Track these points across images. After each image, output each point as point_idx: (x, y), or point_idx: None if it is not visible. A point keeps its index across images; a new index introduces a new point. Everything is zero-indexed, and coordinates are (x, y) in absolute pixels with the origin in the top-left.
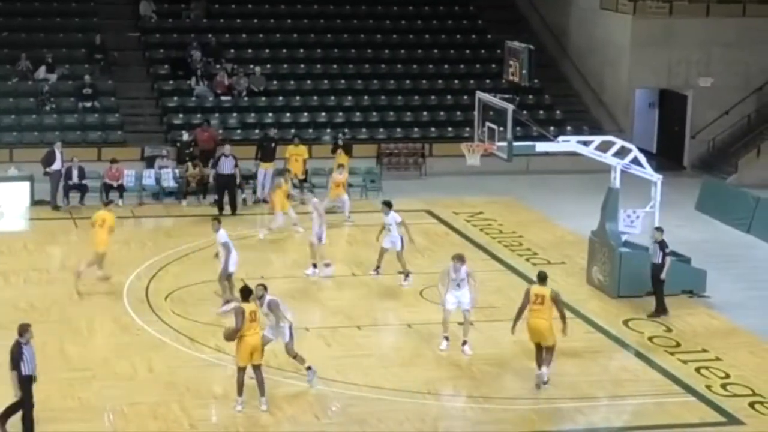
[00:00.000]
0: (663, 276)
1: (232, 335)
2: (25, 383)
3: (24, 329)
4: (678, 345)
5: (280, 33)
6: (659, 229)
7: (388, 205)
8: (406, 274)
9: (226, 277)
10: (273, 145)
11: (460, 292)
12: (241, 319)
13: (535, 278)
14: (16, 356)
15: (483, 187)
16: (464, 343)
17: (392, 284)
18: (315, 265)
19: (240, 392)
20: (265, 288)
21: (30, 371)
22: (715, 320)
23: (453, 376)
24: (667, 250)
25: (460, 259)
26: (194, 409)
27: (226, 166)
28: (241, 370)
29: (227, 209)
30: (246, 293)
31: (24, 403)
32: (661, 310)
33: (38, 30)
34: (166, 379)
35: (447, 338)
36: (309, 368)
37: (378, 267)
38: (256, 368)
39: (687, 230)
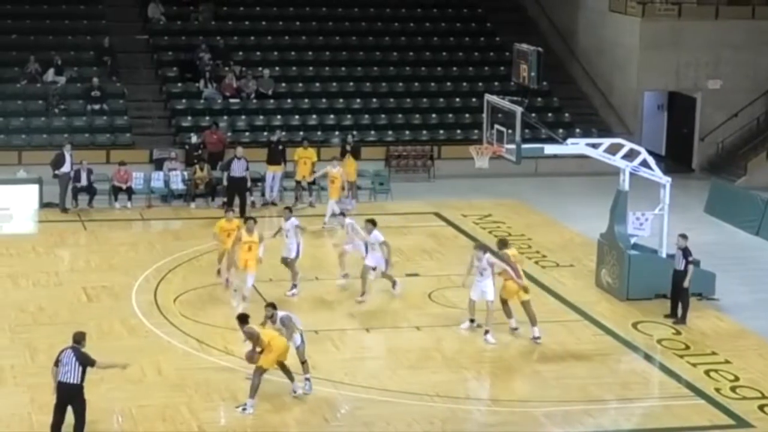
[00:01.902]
0: (686, 284)
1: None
2: (82, 388)
3: (82, 336)
4: (687, 348)
5: (288, 35)
6: (684, 236)
7: (372, 223)
8: (362, 293)
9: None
10: (281, 147)
11: (482, 281)
12: (257, 340)
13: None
14: (87, 357)
15: (491, 190)
16: (486, 332)
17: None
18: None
19: (254, 395)
20: (274, 307)
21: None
22: (724, 323)
23: (461, 379)
24: (691, 258)
25: (480, 247)
26: (203, 411)
27: (238, 169)
28: (263, 372)
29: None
30: (243, 319)
31: (84, 408)
32: (682, 318)
33: (47, 32)
34: (175, 381)
35: (472, 320)
36: (308, 379)
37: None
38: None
39: (696, 233)
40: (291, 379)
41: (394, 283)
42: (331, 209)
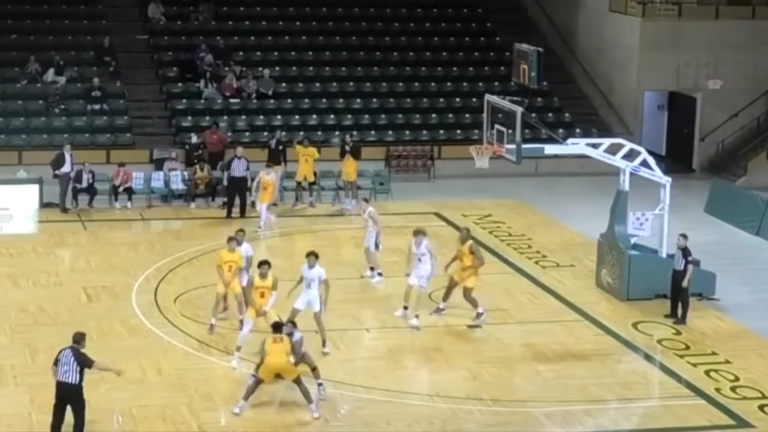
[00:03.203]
0: (685, 284)
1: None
2: (81, 388)
3: (81, 337)
4: (687, 348)
5: (288, 35)
6: (684, 236)
7: (315, 256)
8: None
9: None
10: (280, 147)
11: (420, 267)
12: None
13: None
14: (86, 358)
15: (491, 190)
16: (416, 316)
17: (400, 287)
18: (372, 269)
19: (247, 397)
20: (294, 325)
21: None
22: (724, 323)
23: (461, 379)
24: (690, 258)
25: (421, 233)
26: (203, 411)
27: (238, 169)
28: (259, 382)
29: (235, 212)
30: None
31: (83, 407)
32: (683, 318)
33: (47, 32)
34: (175, 381)
35: (406, 308)
36: (320, 384)
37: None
38: (296, 381)
39: (696, 233)
40: (309, 401)
41: (323, 342)
42: (265, 215)
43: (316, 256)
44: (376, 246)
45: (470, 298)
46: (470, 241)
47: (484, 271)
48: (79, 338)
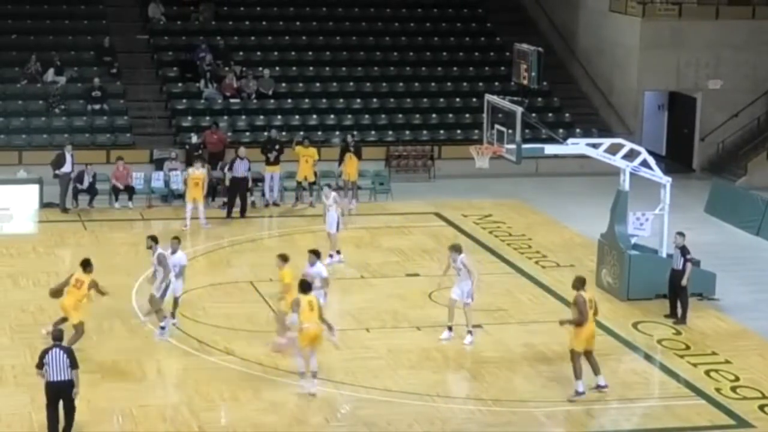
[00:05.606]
0: (684, 282)
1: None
2: (73, 384)
3: (62, 333)
4: (687, 348)
5: (288, 35)
6: (681, 234)
7: (316, 254)
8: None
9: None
10: (277, 147)
11: (461, 281)
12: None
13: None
14: (74, 356)
15: (492, 190)
16: (468, 332)
17: (400, 286)
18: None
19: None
20: (154, 240)
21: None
22: (724, 323)
23: (462, 379)
24: (689, 256)
25: (454, 249)
26: (203, 411)
27: (240, 169)
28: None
29: (235, 212)
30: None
31: (74, 404)
32: (683, 318)
33: (47, 32)
34: (175, 381)
35: (450, 328)
36: (162, 327)
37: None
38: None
39: (696, 233)
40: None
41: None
42: (203, 211)
43: (318, 255)
44: (337, 228)
45: (574, 365)
46: (581, 292)
47: (484, 272)
48: (61, 335)
